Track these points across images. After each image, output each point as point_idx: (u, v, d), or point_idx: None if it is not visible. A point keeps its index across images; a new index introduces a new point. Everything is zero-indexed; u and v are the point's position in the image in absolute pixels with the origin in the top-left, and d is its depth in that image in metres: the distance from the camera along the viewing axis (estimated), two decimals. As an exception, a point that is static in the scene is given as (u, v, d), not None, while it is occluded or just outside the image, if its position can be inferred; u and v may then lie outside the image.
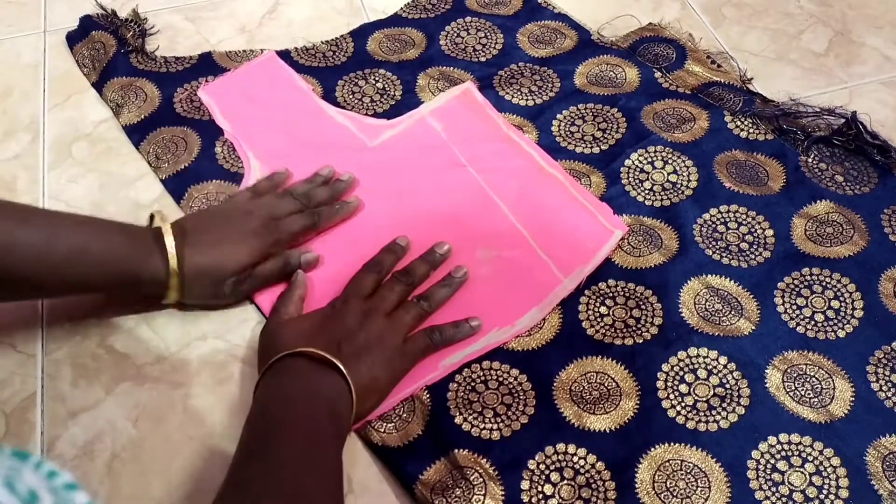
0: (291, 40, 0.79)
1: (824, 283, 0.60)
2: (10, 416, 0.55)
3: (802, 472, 0.52)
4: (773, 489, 0.51)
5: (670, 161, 0.67)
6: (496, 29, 0.79)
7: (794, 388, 0.55)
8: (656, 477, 0.52)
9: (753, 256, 0.62)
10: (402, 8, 0.81)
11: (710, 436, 0.53)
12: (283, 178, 0.65)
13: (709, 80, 0.74)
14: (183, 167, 0.67)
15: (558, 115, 0.71)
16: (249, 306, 0.60)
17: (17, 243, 0.49)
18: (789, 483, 0.51)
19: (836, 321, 0.58)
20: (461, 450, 0.52)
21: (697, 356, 0.56)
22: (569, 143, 0.69)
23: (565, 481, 0.51)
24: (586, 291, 0.60)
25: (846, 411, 0.54)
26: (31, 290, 0.54)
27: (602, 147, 0.69)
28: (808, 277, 0.60)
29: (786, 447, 0.53)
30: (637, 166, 0.67)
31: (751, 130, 0.69)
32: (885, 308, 0.59)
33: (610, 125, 0.70)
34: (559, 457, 0.52)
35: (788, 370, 0.56)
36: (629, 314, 0.59)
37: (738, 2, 0.82)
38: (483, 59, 0.76)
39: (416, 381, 0.55)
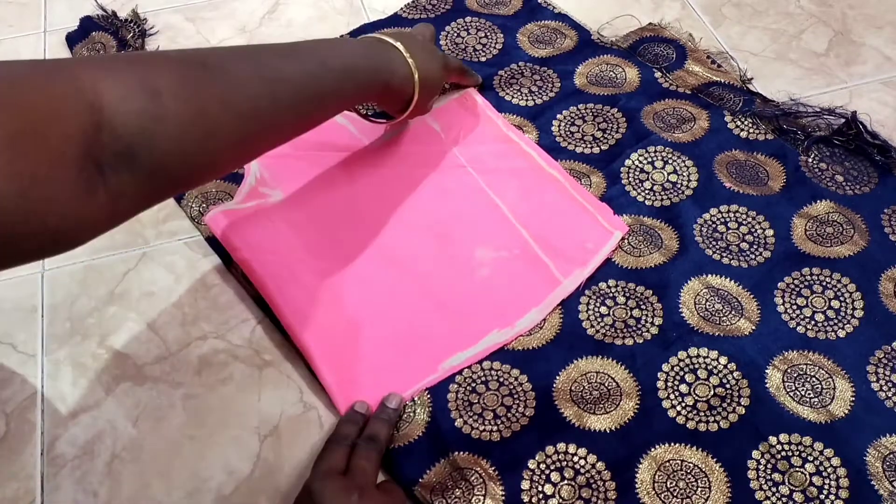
0: (291, 40, 0.79)
1: (824, 283, 0.60)
2: (11, 416, 0.55)
3: (803, 472, 0.52)
4: (774, 489, 0.51)
5: (670, 161, 0.67)
6: (496, 29, 0.79)
7: (794, 388, 0.55)
8: (656, 477, 0.52)
9: (753, 256, 0.62)
10: (402, 8, 0.81)
11: (710, 436, 0.53)
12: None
13: (709, 80, 0.74)
14: (183, 167, 0.67)
15: (558, 116, 0.71)
16: (249, 306, 0.60)
17: (286, 79, 0.48)
18: (789, 483, 0.51)
19: (836, 321, 0.58)
20: (461, 452, 0.52)
21: (697, 356, 0.56)
22: (569, 144, 0.69)
23: (565, 481, 0.51)
24: (587, 291, 0.60)
25: (846, 411, 0.54)
26: (291, 127, 0.52)
27: (602, 147, 0.69)
28: (809, 277, 0.60)
29: (786, 447, 0.53)
30: (637, 166, 0.67)
31: (751, 130, 0.69)
32: (886, 308, 0.59)
33: (610, 125, 0.70)
34: (559, 457, 0.52)
35: (789, 370, 0.56)
36: (629, 314, 0.59)
37: (738, 2, 0.82)
38: (483, 59, 0.76)
39: (416, 382, 0.55)
